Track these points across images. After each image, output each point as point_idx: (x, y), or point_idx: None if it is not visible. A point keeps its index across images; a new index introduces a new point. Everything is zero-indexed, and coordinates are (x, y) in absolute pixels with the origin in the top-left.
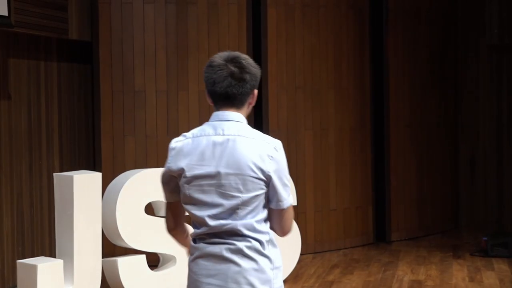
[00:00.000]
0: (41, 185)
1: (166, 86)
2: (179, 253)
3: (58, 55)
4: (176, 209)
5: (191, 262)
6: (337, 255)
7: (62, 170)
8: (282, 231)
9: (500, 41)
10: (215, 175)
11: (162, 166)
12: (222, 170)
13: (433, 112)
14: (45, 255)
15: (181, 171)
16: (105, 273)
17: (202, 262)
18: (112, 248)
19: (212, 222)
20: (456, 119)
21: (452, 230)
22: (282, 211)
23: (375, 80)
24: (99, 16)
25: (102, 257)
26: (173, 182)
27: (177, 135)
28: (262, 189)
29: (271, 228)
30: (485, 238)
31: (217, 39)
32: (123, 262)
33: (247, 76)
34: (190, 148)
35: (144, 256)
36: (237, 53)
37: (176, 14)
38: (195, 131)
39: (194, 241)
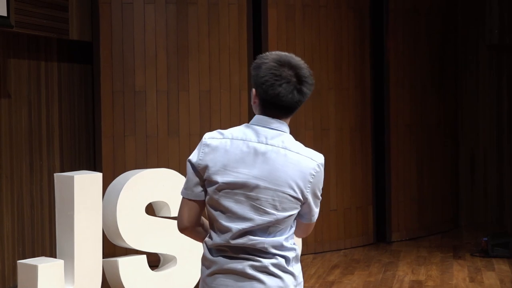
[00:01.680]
0: (41, 185)
1: (167, 86)
2: (180, 254)
3: (58, 55)
4: (194, 208)
5: (208, 276)
6: (337, 255)
7: (62, 170)
8: (302, 236)
9: (500, 41)
10: (253, 187)
11: (163, 166)
12: (261, 183)
13: (434, 112)
14: (46, 255)
15: (213, 173)
16: (106, 273)
17: (222, 279)
18: (112, 248)
19: (238, 236)
20: (456, 119)
21: (452, 231)
22: (309, 224)
23: (376, 80)
24: (100, 16)
25: (103, 258)
26: (197, 179)
27: (178, 135)
28: (297, 208)
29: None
30: (486, 239)
31: (218, 39)
32: (123, 263)
33: (307, 88)
34: (228, 150)
35: (144, 256)
36: (294, 57)
37: (176, 14)
38: (234, 132)
39: (210, 252)
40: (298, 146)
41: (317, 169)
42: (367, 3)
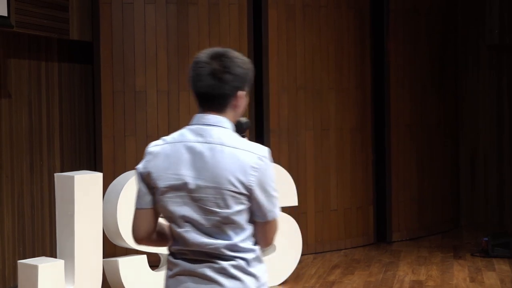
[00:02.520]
0: (42, 185)
1: (167, 86)
2: None
3: (59, 55)
4: (147, 217)
5: (170, 278)
6: (338, 255)
7: (63, 170)
8: (265, 243)
9: (500, 41)
10: (194, 188)
11: None
12: (201, 182)
13: (434, 112)
14: (46, 255)
15: (155, 178)
16: (106, 273)
17: (184, 280)
18: (113, 248)
19: (191, 239)
20: (456, 119)
21: (452, 231)
22: (266, 224)
23: (376, 80)
24: (100, 16)
25: (103, 257)
26: (145, 188)
27: None
28: (244, 204)
29: (255, 239)
30: (486, 239)
31: (218, 39)
32: (124, 262)
33: (228, 77)
34: (168, 154)
35: (145, 256)
36: (224, 50)
37: (177, 14)
38: (175, 135)
39: (174, 255)
40: (236, 140)
41: (259, 161)
42: (368, 3)
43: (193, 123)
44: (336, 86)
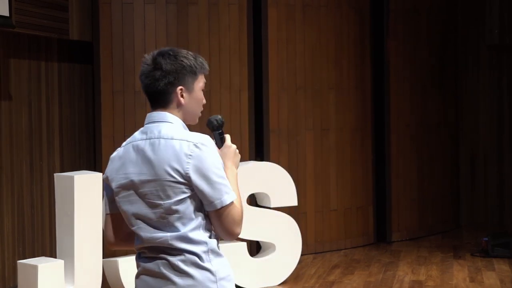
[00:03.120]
0: (41, 185)
1: None
2: None
3: (58, 55)
4: (115, 222)
5: (136, 278)
6: (337, 255)
7: (62, 170)
8: (226, 234)
9: (500, 41)
10: (139, 184)
11: None
12: (144, 177)
13: (434, 112)
14: (46, 255)
15: (110, 181)
16: (106, 273)
17: (145, 279)
18: None
19: (144, 235)
20: (456, 119)
21: (452, 231)
22: (218, 212)
23: (376, 80)
24: (100, 16)
25: (103, 258)
26: (110, 192)
27: None
28: (185, 192)
29: (215, 232)
30: (486, 239)
31: (218, 39)
32: (123, 262)
33: (158, 73)
34: (120, 156)
35: None
36: (166, 48)
37: (176, 14)
38: (129, 138)
39: (138, 254)
40: (174, 131)
41: (194, 148)
42: (368, 3)
43: (145, 122)
44: (336, 86)
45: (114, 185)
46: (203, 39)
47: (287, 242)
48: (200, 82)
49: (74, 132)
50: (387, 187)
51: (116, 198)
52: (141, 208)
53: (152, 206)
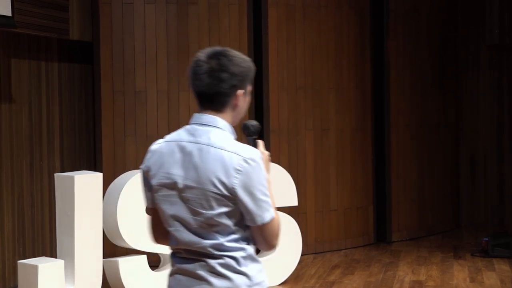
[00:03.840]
0: (42, 185)
1: (167, 86)
2: None
3: (59, 55)
4: (157, 216)
5: (170, 276)
6: (337, 255)
7: (63, 170)
8: (265, 247)
9: (500, 41)
10: (182, 188)
11: None
12: (189, 182)
13: (434, 112)
14: (46, 256)
15: (151, 176)
16: (106, 273)
17: (179, 278)
18: (113, 248)
19: (182, 239)
20: (456, 119)
21: (453, 231)
22: (259, 228)
23: (376, 80)
24: (100, 16)
25: (103, 258)
26: (144, 186)
27: None
28: (228, 206)
29: (254, 244)
30: (486, 239)
31: (218, 39)
32: (124, 263)
33: (225, 75)
34: (162, 153)
35: (145, 256)
36: (223, 49)
37: (177, 14)
38: (172, 134)
39: (172, 253)
40: (225, 141)
41: (244, 164)
42: (368, 3)
43: (191, 122)
44: (336, 86)
45: (154, 181)
46: (203, 39)
47: (287, 242)
48: (250, 86)
49: (74, 132)
50: (387, 187)
51: (155, 195)
52: (181, 211)
53: (194, 212)
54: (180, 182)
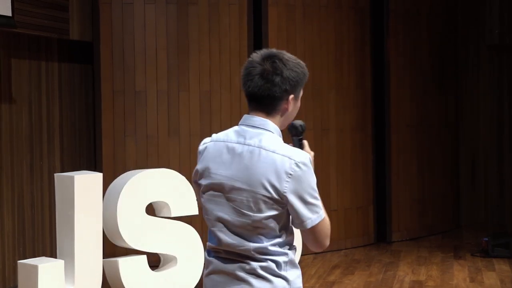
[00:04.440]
0: (42, 185)
1: (167, 86)
2: (180, 254)
3: (59, 55)
4: None
5: (206, 277)
6: (338, 255)
7: (63, 170)
8: (316, 247)
9: (500, 41)
10: (229, 188)
11: (163, 166)
12: (237, 184)
13: (434, 112)
14: (46, 256)
15: (199, 176)
16: (106, 273)
17: (216, 279)
18: (113, 248)
19: (224, 239)
20: (457, 119)
21: (453, 231)
22: (310, 230)
23: (376, 80)
24: (100, 16)
25: (103, 258)
26: (196, 187)
27: (178, 135)
28: (277, 210)
29: (306, 244)
30: (486, 239)
31: (218, 39)
32: (124, 263)
33: (277, 79)
34: (211, 152)
35: (145, 256)
36: (278, 52)
37: (177, 14)
38: (220, 134)
39: (209, 253)
40: (276, 145)
41: (295, 168)
42: (368, 3)
43: (240, 123)
44: (336, 86)
45: (202, 181)
46: (203, 39)
47: None
48: (302, 91)
49: (74, 132)
50: (387, 187)
51: (201, 194)
52: (226, 212)
53: (240, 214)
54: (228, 183)
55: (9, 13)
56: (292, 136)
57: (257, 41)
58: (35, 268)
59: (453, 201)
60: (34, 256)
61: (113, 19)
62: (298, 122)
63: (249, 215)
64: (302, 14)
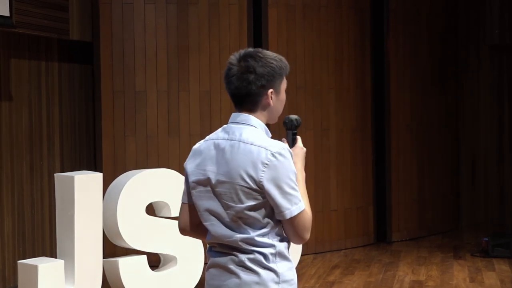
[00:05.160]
0: (42, 185)
1: (167, 86)
2: (180, 254)
3: (59, 55)
4: (189, 211)
5: (206, 271)
6: (338, 255)
7: (63, 170)
8: (296, 239)
9: (501, 41)
10: (216, 183)
11: (163, 166)
12: (220, 178)
13: (434, 112)
14: (46, 256)
15: (189, 173)
16: (106, 273)
17: (213, 272)
18: (113, 248)
19: (214, 232)
20: (456, 119)
21: (453, 231)
22: (289, 221)
23: (376, 80)
24: (100, 16)
25: (103, 258)
26: (188, 183)
27: (178, 135)
28: (257, 199)
29: (287, 237)
30: (486, 239)
31: (218, 39)
32: (124, 263)
33: (251, 76)
34: (201, 151)
35: (145, 256)
36: (253, 50)
37: (177, 14)
38: (212, 134)
39: (209, 248)
40: (255, 137)
41: (271, 157)
42: (368, 3)
43: (229, 121)
44: (336, 86)
45: (191, 178)
46: (203, 39)
47: None
48: (284, 84)
49: (74, 132)
50: (387, 187)
51: (192, 191)
52: (215, 206)
53: (226, 206)
54: (213, 178)
55: (7, 13)
56: (287, 129)
57: (257, 41)
58: (35, 268)
59: (453, 201)
60: (34, 256)
61: (113, 19)
62: (294, 117)
63: (233, 207)
64: (302, 14)
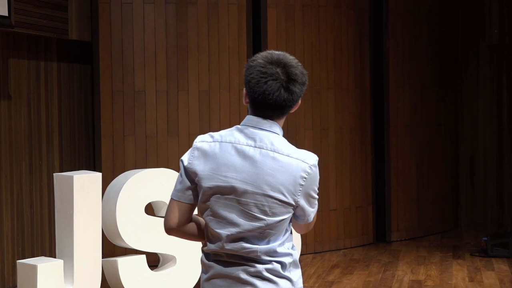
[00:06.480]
0: (41, 185)
1: (166, 86)
2: (180, 253)
3: (58, 55)
4: (184, 211)
5: (205, 281)
6: (337, 255)
7: (62, 170)
8: (303, 232)
9: (500, 41)
10: (241, 192)
11: (162, 166)
12: (250, 187)
13: (434, 112)
14: (45, 255)
15: (201, 177)
16: (105, 273)
17: (218, 283)
18: (112, 248)
19: (230, 242)
20: (456, 119)
21: (452, 230)
22: (308, 224)
23: (376, 80)
24: (99, 16)
25: (102, 257)
26: (189, 182)
27: (177, 135)
28: (290, 212)
29: (294, 230)
30: (485, 238)
31: (217, 39)
32: (123, 262)
33: (298, 87)
34: (216, 153)
35: (144, 256)
36: (287, 59)
37: (176, 14)
38: (224, 134)
39: (207, 257)
40: (289, 148)
41: (309, 171)
42: (367, 3)
43: (245, 124)
44: (335, 86)
45: (206, 183)
46: (202, 39)
47: None
48: None
49: (73, 132)
50: (387, 187)
51: (205, 195)
52: (236, 215)
53: (252, 218)
54: (240, 187)
55: (6, 13)
56: None
57: (256, 41)
58: (34, 268)
59: (452, 201)
60: (33, 256)
61: (112, 19)
62: None
63: (263, 219)
64: (301, 14)
